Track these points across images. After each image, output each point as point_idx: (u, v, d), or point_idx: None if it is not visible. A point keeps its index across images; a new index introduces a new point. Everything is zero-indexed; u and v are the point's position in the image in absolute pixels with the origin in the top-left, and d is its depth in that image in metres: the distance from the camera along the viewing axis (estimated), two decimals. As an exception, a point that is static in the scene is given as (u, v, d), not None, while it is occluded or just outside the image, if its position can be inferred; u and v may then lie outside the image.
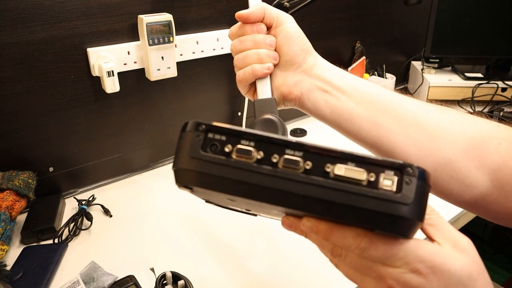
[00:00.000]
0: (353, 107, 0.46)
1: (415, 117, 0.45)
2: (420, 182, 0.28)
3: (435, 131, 0.45)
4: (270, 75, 0.48)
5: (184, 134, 0.32)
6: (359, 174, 0.29)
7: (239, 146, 0.30)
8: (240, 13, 0.47)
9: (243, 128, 0.32)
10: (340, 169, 0.29)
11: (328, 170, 0.29)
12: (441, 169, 0.45)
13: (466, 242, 0.32)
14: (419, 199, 0.28)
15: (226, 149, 0.30)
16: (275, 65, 0.48)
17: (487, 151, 0.44)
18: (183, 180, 0.32)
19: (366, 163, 0.29)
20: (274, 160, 0.30)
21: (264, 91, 0.48)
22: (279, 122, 0.43)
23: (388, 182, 0.28)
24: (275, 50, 0.48)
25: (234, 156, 0.30)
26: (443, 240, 0.32)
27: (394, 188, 0.28)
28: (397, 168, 0.29)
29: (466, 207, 0.47)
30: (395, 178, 0.28)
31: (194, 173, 0.31)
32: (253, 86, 0.49)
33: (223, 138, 0.31)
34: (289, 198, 0.29)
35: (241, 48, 0.48)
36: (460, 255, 0.30)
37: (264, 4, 0.48)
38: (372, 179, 0.28)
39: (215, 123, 0.31)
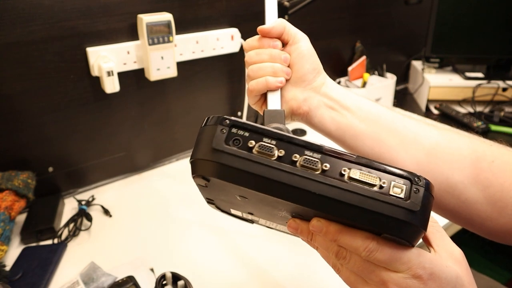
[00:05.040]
0: (357, 125, 0.49)
1: (415, 136, 0.48)
2: (426, 192, 0.30)
3: (433, 149, 0.47)
4: (281, 89, 0.50)
5: (207, 127, 0.33)
6: (373, 179, 0.31)
7: (261, 142, 0.32)
8: (262, 28, 0.50)
9: (267, 126, 0.33)
10: (355, 173, 0.31)
11: (344, 173, 0.31)
12: (438, 185, 0.47)
13: (459, 254, 0.34)
14: (424, 208, 0.30)
15: (249, 145, 0.32)
16: (286, 80, 0.50)
17: (481, 168, 0.46)
18: (202, 170, 0.33)
19: (379, 170, 0.31)
20: (294, 159, 0.31)
21: (274, 102, 0.50)
22: (287, 131, 0.44)
23: (397, 189, 0.30)
24: (288, 66, 0.50)
25: (255, 151, 0.32)
26: (441, 248, 0.34)
27: (403, 195, 0.30)
28: (407, 178, 0.31)
29: (463, 223, 0.49)
30: (404, 187, 0.30)
31: (215, 165, 0.32)
32: (262, 97, 0.52)
33: (246, 134, 0.32)
34: (305, 196, 0.31)
35: (256, 59, 0.50)
36: (454, 265, 0.33)
37: (285, 21, 0.50)
38: (384, 185, 0.30)
39: (240, 119, 0.33)
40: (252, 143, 0.32)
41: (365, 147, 0.49)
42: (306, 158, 0.31)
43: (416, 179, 0.31)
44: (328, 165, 0.31)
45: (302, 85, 0.50)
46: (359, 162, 0.31)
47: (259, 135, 0.32)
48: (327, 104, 0.50)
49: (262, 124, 0.47)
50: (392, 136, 0.48)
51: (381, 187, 0.30)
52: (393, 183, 0.30)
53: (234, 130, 0.33)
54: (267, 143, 0.32)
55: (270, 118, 0.48)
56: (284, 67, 0.49)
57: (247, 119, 1.16)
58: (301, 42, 0.50)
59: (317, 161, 0.31)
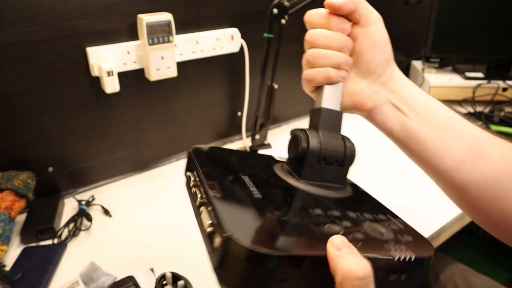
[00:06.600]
0: (423, 129, 0.44)
1: (482, 145, 0.44)
2: None
3: (498, 164, 0.44)
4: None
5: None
6: None
7: None
8: (333, 2, 0.41)
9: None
10: None
11: None
12: (501, 212, 0.43)
13: None
14: None
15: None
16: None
17: None
18: None
19: None
20: None
21: (333, 100, 0.42)
22: (350, 155, 0.40)
23: None
24: (353, 53, 0.43)
25: None
26: None
27: None
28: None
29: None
30: None
31: None
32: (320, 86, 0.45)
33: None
34: None
35: (323, 44, 0.42)
36: None
37: None
38: None
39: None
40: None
41: (429, 152, 0.44)
42: None
43: None
44: None
45: (370, 78, 0.44)
46: None
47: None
48: (394, 102, 0.44)
49: (312, 123, 0.42)
50: (460, 144, 0.43)
51: None
52: None
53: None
54: None
55: (325, 120, 0.41)
56: (348, 58, 0.42)
57: (247, 119, 1.16)
58: (375, 26, 0.42)
59: None
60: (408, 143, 0.45)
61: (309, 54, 0.43)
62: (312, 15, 0.43)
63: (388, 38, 0.44)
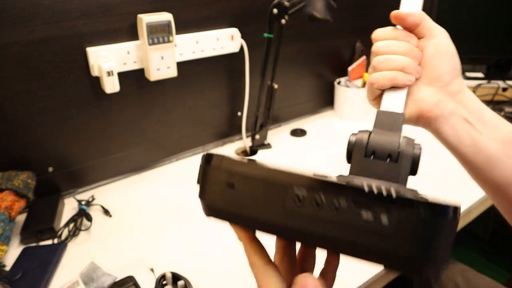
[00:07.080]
0: (495, 146, 0.43)
1: None
2: None
3: None
4: (409, 87, 0.44)
5: None
6: None
7: None
8: (398, 13, 0.43)
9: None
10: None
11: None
12: None
13: None
14: None
15: None
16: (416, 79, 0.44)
17: None
18: None
19: None
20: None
21: (396, 103, 0.41)
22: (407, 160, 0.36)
23: None
24: (419, 64, 0.44)
25: None
26: None
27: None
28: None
29: None
30: None
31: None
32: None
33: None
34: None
35: (386, 50, 0.44)
36: None
37: (423, 13, 0.44)
38: None
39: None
40: None
41: (494, 171, 0.43)
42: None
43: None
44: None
45: (436, 85, 0.44)
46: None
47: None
48: (463, 115, 0.43)
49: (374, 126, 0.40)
50: None
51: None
52: None
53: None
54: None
55: (383, 124, 0.40)
56: (415, 64, 0.43)
57: (247, 119, 1.16)
58: (440, 37, 0.43)
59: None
60: (476, 159, 0.43)
61: (375, 60, 0.44)
62: (380, 32, 0.45)
63: (455, 51, 0.44)
